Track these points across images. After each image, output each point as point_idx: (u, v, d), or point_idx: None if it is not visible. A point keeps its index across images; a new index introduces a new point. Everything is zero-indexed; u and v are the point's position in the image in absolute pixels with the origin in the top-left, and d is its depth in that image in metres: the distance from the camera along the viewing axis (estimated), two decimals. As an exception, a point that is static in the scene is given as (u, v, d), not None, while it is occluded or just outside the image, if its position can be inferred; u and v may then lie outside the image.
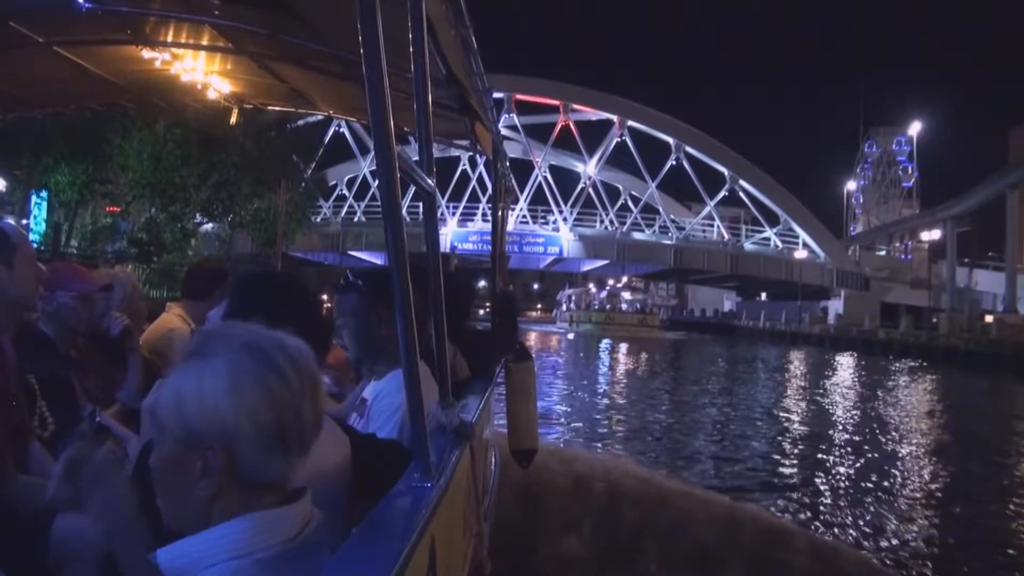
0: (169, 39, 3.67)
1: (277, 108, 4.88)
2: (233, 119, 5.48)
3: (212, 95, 4.26)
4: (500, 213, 4.68)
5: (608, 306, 65.09)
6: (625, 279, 76.73)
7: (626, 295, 74.10)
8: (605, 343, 46.57)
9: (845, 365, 33.76)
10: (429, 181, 1.90)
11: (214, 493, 1.07)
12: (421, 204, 2.08)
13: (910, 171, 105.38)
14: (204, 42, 3.70)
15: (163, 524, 1.11)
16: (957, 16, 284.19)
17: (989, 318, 48.32)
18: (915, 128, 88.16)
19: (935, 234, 56.53)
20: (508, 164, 4.83)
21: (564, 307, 75.69)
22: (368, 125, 1.61)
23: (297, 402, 1.09)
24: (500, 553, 3.73)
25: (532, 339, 48.17)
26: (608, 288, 75.46)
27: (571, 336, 55.55)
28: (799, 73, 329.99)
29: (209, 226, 27.87)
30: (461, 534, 2.23)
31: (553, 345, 45.06)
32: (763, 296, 79.17)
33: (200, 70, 3.97)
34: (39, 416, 2.47)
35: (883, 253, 68.21)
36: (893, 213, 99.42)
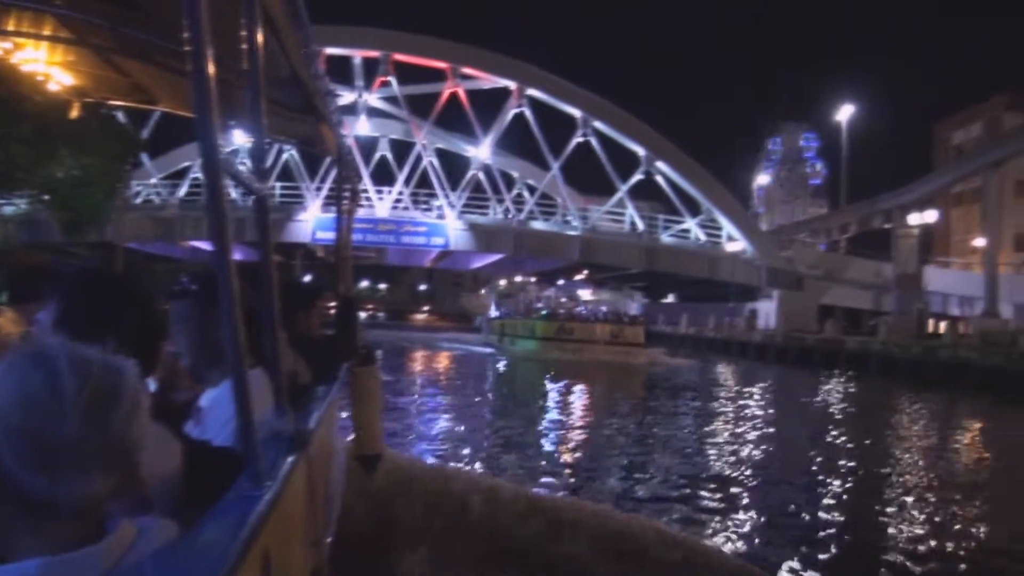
0: (10, 27, 4.06)
1: (119, 103, 5.26)
2: (74, 114, 5.83)
3: (53, 87, 4.71)
4: (345, 218, 5.21)
5: (561, 311, 50.97)
6: (585, 274, 64.58)
7: (585, 294, 63.12)
8: (561, 375, 33.39)
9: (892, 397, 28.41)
10: (259, 183, 2.21)
11: None
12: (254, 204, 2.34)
13: (818, 168, 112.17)
14: (46, 32, 4.11)
15: None
16: (869, 11, 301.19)
17: (945, 324, 48.95)
18: (828, 121, 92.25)
19: (929, 216, 55.34)
20: (355, 167, 5.38)
21: (493, 311, 61.58)
22: None
23: (64, 416, 1.15)
24: (344, 561, 4.28)
25: (417, 363, 40.26)
26: (561, 283, 62.96)
27: (502, 361, 43.57)
28: (698, 61, 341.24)
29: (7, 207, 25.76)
30: (299, 543, 2.49)
31: (451, 380, 33.03)
32: (670, 297, 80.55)
33: (41, 61, 4.39)
34: None
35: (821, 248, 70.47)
36: (799, 211, 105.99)
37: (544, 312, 50.50)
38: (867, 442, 18.46)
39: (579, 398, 27.74)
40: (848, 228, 67.40)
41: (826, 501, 11.93)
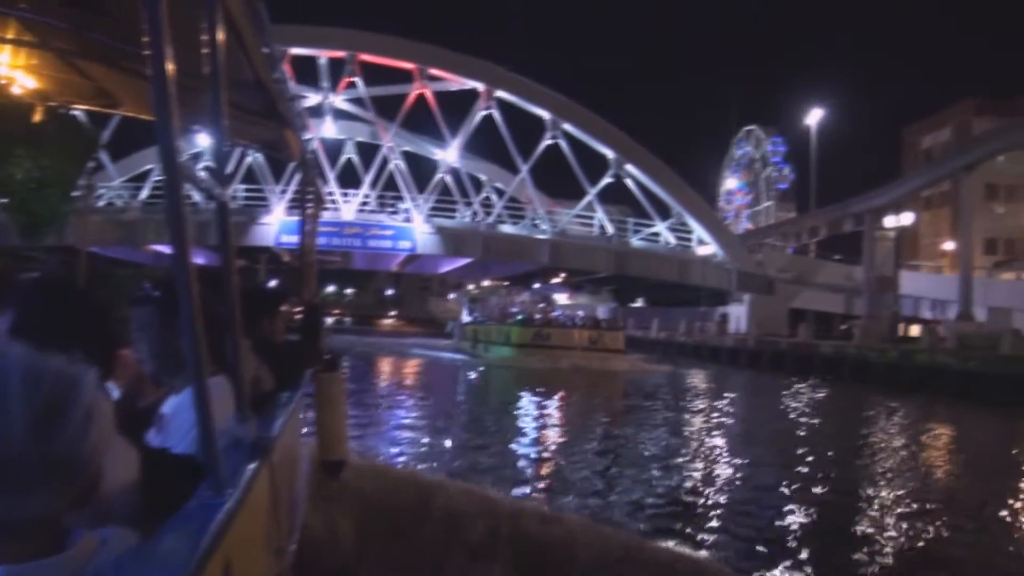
0: (-27, 31, 4.07)
1: (82, 107, 5.28)
2: (37, 118, 5.82)
3: (16, 91, 4.69)
4: (309, 223, 5.26)
5: (537, 316, 49.29)
6: (562, 276, 62.95)
7: (561, 297, 61.66)
8: (538, 383, 31.94)
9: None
10: (220, 188, 2.23)
11: None
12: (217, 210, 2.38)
13: (785, 172, 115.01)
14: (9, 36, 4.12)
15: None
16: (839, 17, 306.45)
17: (917, 327, 49.02)
18: (796, 126, 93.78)
19: (905, 218, 54.97)
20: (319, 171, 5.45)
21: (465, 316, 59.95)
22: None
23: (9, 429, 1.13)
24: (308, 569, 4.31)
25: (387, 372, 38.58)
26: (537, 286, 60.70)
27: (476, 369, 41.33)
28: (667, 66, 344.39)
29: None
30: (262, 551, 2.51)
31: (424, 390, 30.81)
32: (639, 302, 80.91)
33: (4, 64, 4.40)
34: None
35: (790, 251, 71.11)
36: (767, 216, 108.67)
37: (519, 317, 48.76)
38: (845, 449, 18.36)
39: (558, 408, 26.21)
40: (818, 232, 68.03)
41: (803, 511, 11.88)
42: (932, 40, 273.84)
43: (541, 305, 53.42)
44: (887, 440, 21.03)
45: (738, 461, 16.48)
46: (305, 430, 5.35)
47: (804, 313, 59.24)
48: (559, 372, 37.70)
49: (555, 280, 63.36)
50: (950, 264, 64.34)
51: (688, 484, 13.93)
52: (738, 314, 61.03)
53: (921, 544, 10.35)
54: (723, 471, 15.35)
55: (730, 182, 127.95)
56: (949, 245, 66.67)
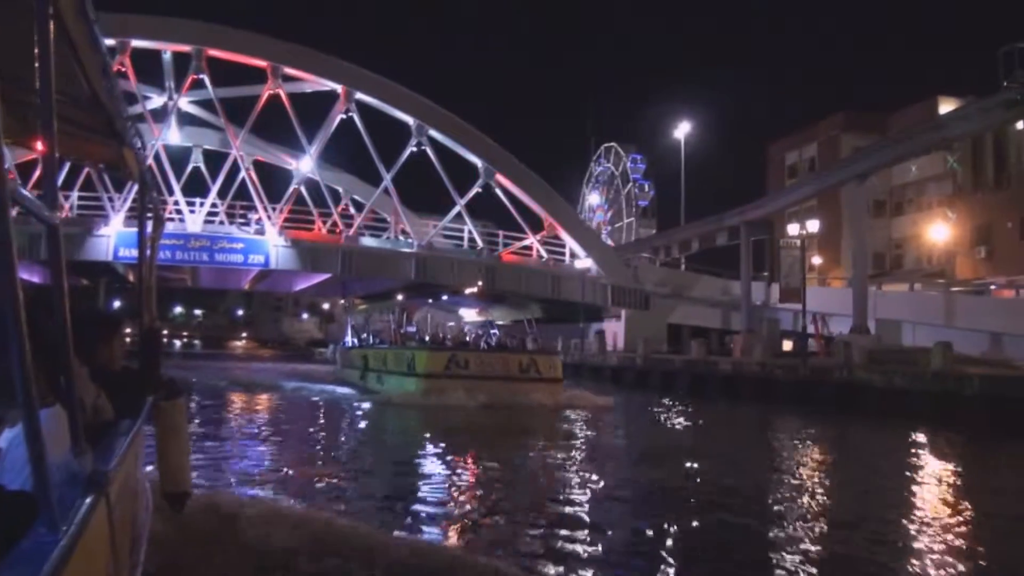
0: None
1: None
2: None
3: None
4: (149, 244, 5.28)
5: (447, 337, 42.10)
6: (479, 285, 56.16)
7: (470, 313, 59.68)
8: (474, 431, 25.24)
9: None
10: (50, 211, 2.21)
11: None
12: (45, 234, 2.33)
13: (647, 189, 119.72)
14: None
15: None
16: (701, 32, 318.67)
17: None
18: (656, 143, 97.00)
19: (813, 225, 54.07)
20: (160, 191, 5.44)
21: (350, 337, 51.73)
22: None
23: None
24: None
25: (258, 421, 27.01)
26: (445, 298, 57.40)
27: (376, 410, 32.32)
28: (528, 82, 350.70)
29: None
30: None
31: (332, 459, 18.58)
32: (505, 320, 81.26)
33: None
34: None
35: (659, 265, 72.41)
36: (629, 232, 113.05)
37: (425, 339, 41.39)
38: (773, 484, 16.69)
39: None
40: (690, 245, 69.71)
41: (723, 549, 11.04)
42: (794, 59, 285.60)
43: (449, 324, 48.81)
44: (832, 473, 19.03)
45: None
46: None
47: (680, 328, 60.41)
48: (487, 411, 30.55)
49: (470, 290, 58.25)
50: (817, 278, 67.22)
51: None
52: (615, 330, 61.29)
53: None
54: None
55: (592, 198, 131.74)
56: (817, 259, 69.78)
